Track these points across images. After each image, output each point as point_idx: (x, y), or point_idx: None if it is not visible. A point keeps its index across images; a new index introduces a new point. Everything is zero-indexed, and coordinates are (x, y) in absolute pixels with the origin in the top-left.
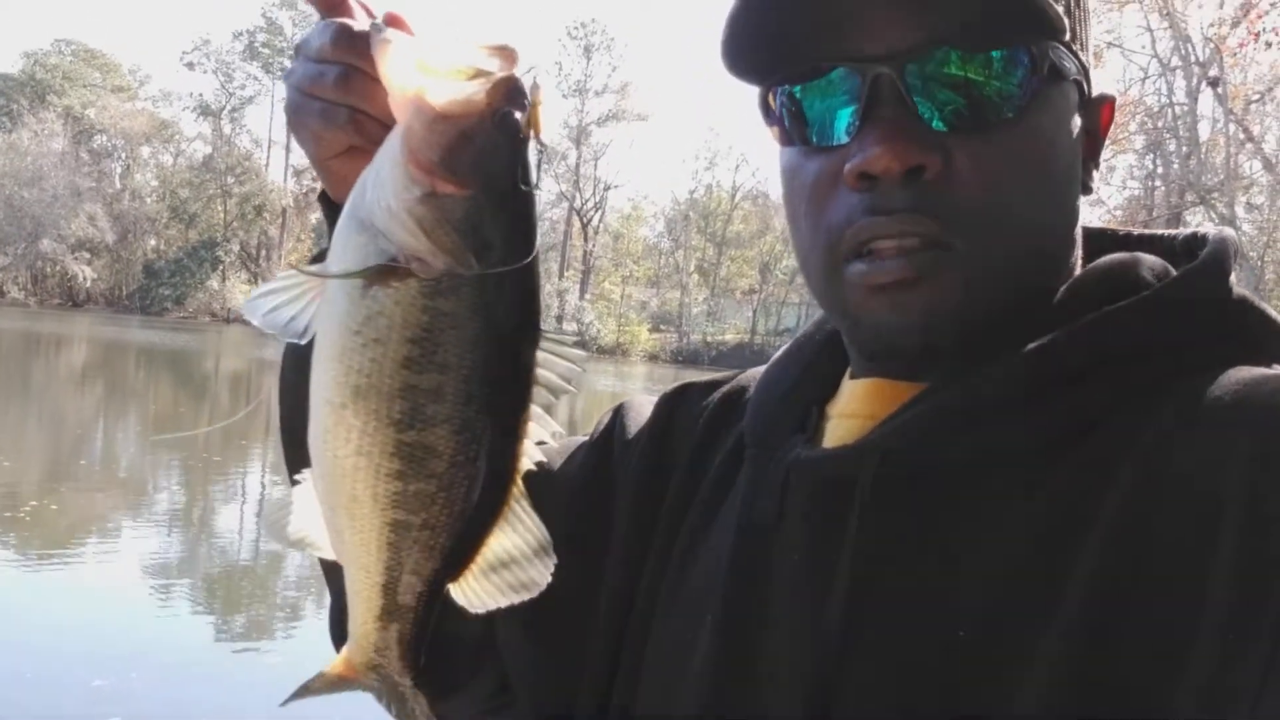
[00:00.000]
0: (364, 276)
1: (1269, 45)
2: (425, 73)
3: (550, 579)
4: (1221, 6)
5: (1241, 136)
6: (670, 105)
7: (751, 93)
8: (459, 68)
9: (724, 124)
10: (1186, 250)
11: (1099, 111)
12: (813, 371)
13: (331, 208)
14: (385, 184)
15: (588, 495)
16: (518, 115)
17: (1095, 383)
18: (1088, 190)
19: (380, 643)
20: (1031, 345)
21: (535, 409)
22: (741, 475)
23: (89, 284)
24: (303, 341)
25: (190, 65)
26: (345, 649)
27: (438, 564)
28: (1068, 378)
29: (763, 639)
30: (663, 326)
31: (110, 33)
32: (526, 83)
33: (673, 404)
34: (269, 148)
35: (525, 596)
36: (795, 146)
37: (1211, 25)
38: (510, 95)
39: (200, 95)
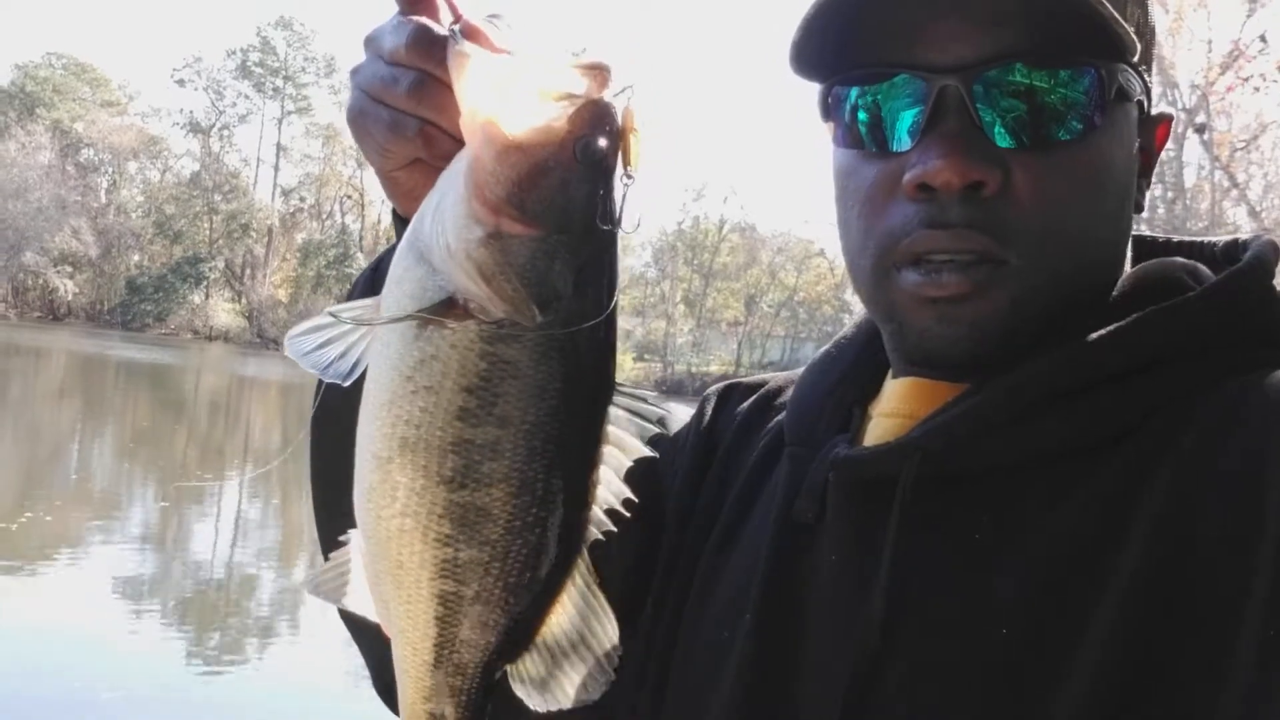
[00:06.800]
0: (416, 319)
1: (1256, 90)
2: (501, 95)
3: (612, 678)
4: (1210, 52)
5: (1226, 184)
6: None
7: (745, 129)
8: (541, 90)
9: (714, 155)
10: (1227, 256)
11: (1155, 129)
12: (854, 371)
13: (402, 221)
14: (445, 219)
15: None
16: (602, 144)
17: (1136, 384)
18: (1140, 208)
19: None
20: (1072, 346)
21: (605, 472)
22: (777, 472)
23: (70, 298)
24: (346, 384)
25: (181, 82)
26: None
27: (491, 641)
28: (1109, 379)
29: (800, 638)
30: (647, 355)
31: (102, 47)
32: (619, 105)
33: (718, 402)
34: (258, 166)
35: (582, 699)
36: (852, 149)
37: (1199, 71)
38: (596, 121)
39: (190, 112)
